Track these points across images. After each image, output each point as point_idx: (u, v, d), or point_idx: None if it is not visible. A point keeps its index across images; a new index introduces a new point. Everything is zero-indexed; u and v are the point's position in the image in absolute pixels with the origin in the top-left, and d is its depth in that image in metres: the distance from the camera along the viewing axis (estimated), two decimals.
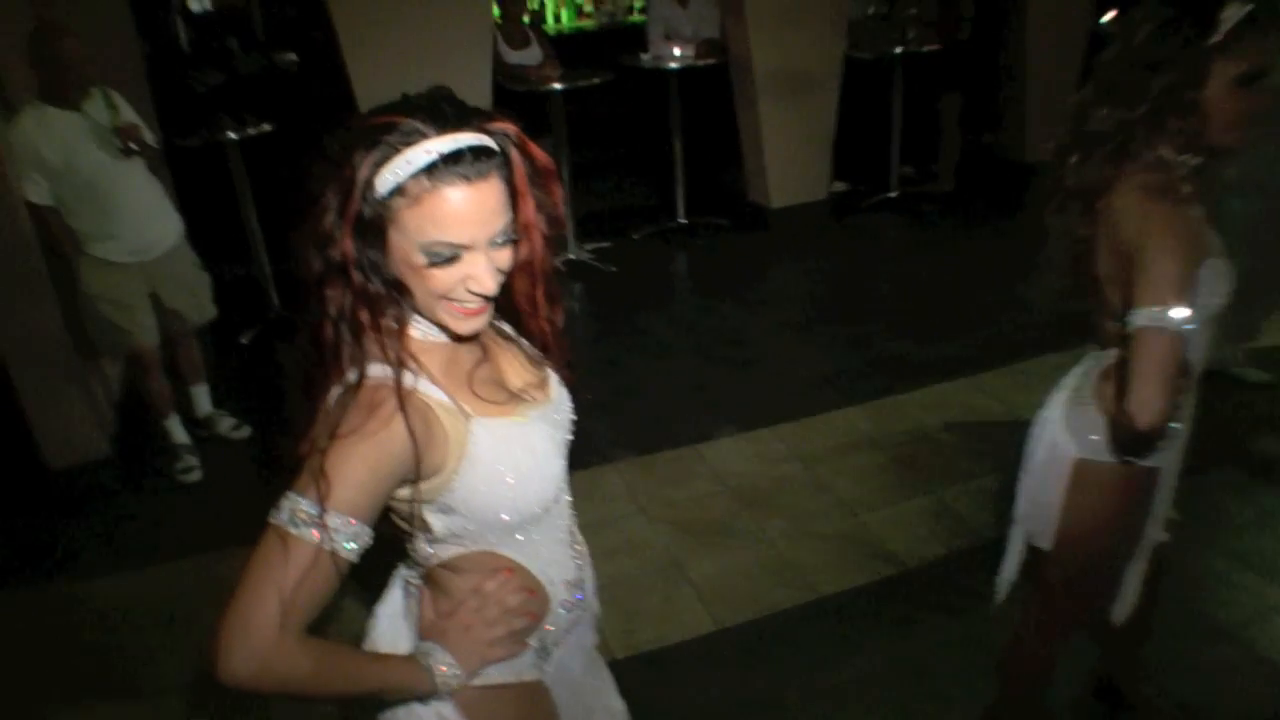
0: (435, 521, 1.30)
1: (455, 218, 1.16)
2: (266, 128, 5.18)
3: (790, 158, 6.66)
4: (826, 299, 5.77)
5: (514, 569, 1.37)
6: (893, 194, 7.06)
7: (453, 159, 1.14)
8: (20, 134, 3.62)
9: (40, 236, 3.86)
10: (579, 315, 5.68)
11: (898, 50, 6.49)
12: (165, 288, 4.04)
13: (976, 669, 2.72)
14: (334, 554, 1.14)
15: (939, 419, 4.17)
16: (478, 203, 1.17)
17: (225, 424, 4.48)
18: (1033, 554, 2.20)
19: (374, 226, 1.18)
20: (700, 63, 6.22)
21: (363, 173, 1.15)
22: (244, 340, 5.44)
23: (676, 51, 6.18)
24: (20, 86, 3.91)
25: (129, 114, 3.84)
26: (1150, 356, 1.65)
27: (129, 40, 5.55)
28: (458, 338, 1.31)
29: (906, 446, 3.99)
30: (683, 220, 6.77)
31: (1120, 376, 1.76)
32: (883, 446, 4.00)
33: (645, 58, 6.33)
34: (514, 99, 5.78)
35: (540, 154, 1.25)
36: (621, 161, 8.00)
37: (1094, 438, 1.96)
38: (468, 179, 1.15)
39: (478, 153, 1.16)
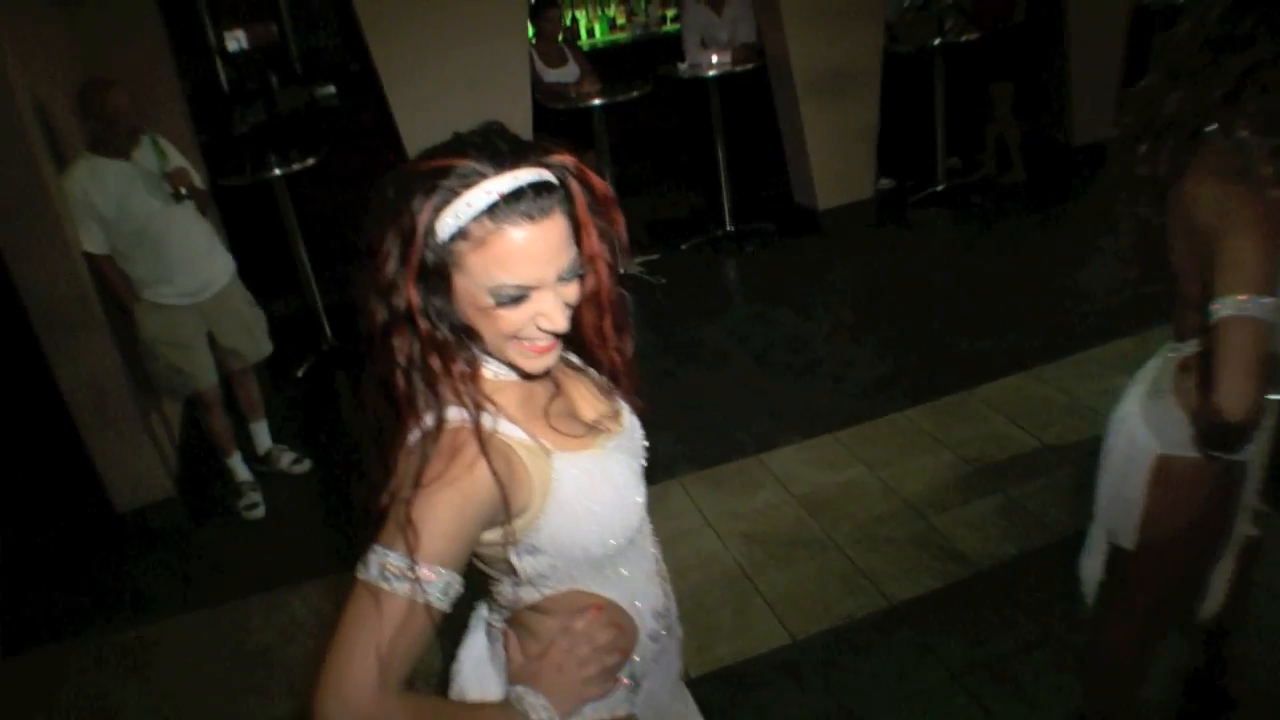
0: (521, 563, 1.27)
1: (521, 257, 1.13)
2: (311, 162, 5.20)
3: (835, 158, 6.58)
4: (880, 298, 5.68)
5: (602, 604, 1.34)
6: (939, 187, 6.95)
7: (514, 198, 1.12)
8: (73, 185, 3.68)
9: (98, 284, 3.91)
10: (632, 329, 5.63)
11: (936, 42, 6.39)
12: (221, 327, 4.08)
13: (1060, 669, 2.68)
14: (427, 606, 1.11)
15: (1003, 414, 4.09)
16: (542, 240, 1.14)
17: (286, 459, 4.51)
18: (1115, 552, 2.13)
19: (438, 272, 1.15)
20: (738, 68, 6.16)
21: (422, 219, 1.12)
22: (299, 373, 5.47)
23: (714, 59, 6.13)
24: (72, 139, 3.98)
25: (177, 158, 3.89)
26: (1236, 347, 1.58)
27: (172, 84, 5.62)
28: (529, 375, 1.28)
29: (972, 444, 3.91)
30: (730, 228, 6.70)
31: (1204, 369, 1.69)
32: (948, 446, 3.93)
33: (682, 67, 6.28)
34: (554, 117, 5.78)
35: (600, 183, 1.22)
36: (665, 172, 7.96)
37: (1175, 433, 1.88)
38: (531, 217, 1.13)
39: (539, 189, 1.14)
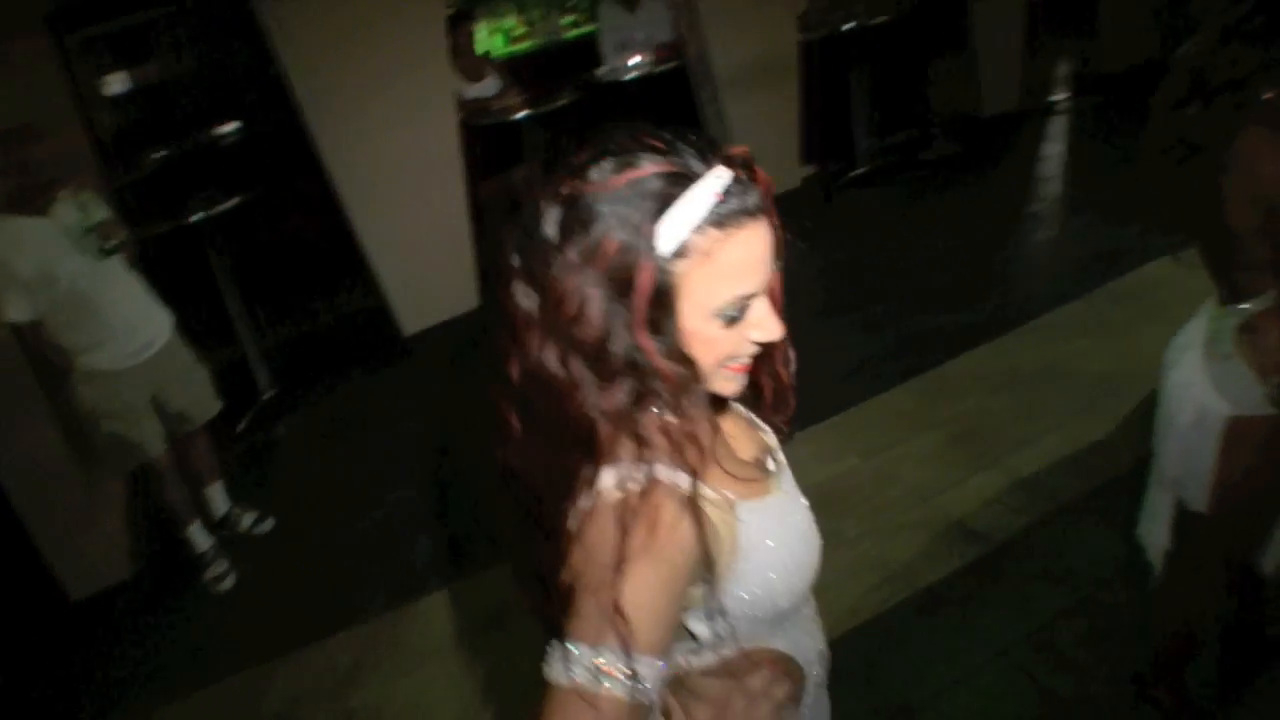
0: (699, 628, 1.11)
1: (749, 263, 0.99)
2: (235, 200, 4.91)
3: (759, 150, 6.30)
4: (833, 284, 5.59)
5: (775, 658, 1.19)
6: (862, 169, 6.93)
7: (727, 197, 0.96)
8: None
9: (29, 357, 3.58)
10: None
11: (847, 27, 6.34)
12: (166, 389, 3.78)
13: (1099, 633, 2.67)
14: (648, 705, 0.94)
15: (982, 386, 4.06)
16: (764, 239, 1.00)
17: (247, 519, 4.23)
18: (1184, 516, 2.11)
19: (665, 302, 0.97)
20: (657, 69, 6.05)
21: (640, 242, 0.94)
22: (240, 427, 5.16)
23: (634, 60, 6.01)
24: None
25: (100, 210, 3.56)
26: None
27: (78, 132, 5.25)
28: (718, 403, 1.12)
29: (959, 420, 3.87)
30: None
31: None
32: (935, 424, 3.88)
33: (601, 71, 6.15)
34: (481, 134, 5.59)
35: (765, 176, 1.06)
36: None
37: (1246, 393, 1.86)
38: (751, 214, 0.97)
39: (741, 182, 0.98)
